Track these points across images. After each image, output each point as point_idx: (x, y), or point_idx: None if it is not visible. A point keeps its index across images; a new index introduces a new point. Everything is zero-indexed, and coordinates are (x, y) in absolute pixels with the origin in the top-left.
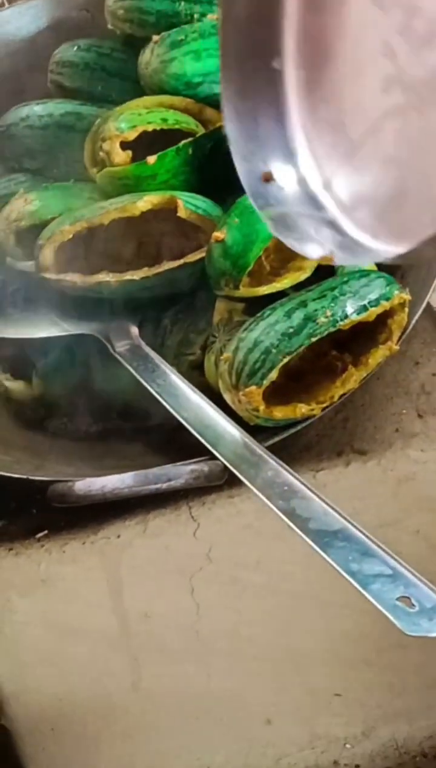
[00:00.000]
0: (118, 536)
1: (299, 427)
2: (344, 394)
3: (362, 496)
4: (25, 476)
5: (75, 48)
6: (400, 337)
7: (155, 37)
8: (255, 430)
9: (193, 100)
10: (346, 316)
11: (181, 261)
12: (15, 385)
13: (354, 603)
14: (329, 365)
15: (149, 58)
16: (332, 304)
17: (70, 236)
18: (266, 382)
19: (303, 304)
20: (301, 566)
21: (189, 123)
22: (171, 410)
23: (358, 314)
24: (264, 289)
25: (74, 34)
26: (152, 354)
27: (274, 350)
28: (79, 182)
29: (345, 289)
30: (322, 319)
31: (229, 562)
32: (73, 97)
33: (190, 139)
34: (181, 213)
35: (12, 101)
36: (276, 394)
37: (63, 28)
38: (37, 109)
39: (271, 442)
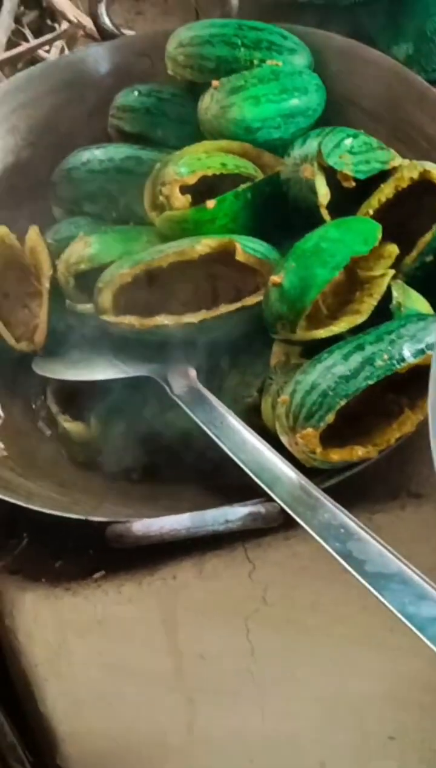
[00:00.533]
0: (174, 577)
1: (355, 470)
2: (400, 438)
3: (417, 539)
4: (82, 517)
5: (135, 93)
6: None
7: (215, 83)
8: (311, 473)
9: (251, 145)
10: (403, 360)
11: (239, 304)
12: (73, 427)
13: (409, 646)
14: (386, 408)
15: (209, 103)
16: (390, 348)
17: (129, 279)
18: (323, 425)
19: (360, 347)
20: (356, 609)
21: (248, 168)
22: (228, 452)
23: (415, 358)
24: (321, 333)
25: (134, 79)
26: (210, 396)
27: (331, 393)
28: (137, 226)
29: (402, 333)
30: (379, 363)
31: (284, 604)
32: (133, 141)
33: (248, 183)
34: (240, 256)
35: (73, 145)
36: (333, 437)
37: (123, 74)
38: (97, 154)
39: (327, 484)
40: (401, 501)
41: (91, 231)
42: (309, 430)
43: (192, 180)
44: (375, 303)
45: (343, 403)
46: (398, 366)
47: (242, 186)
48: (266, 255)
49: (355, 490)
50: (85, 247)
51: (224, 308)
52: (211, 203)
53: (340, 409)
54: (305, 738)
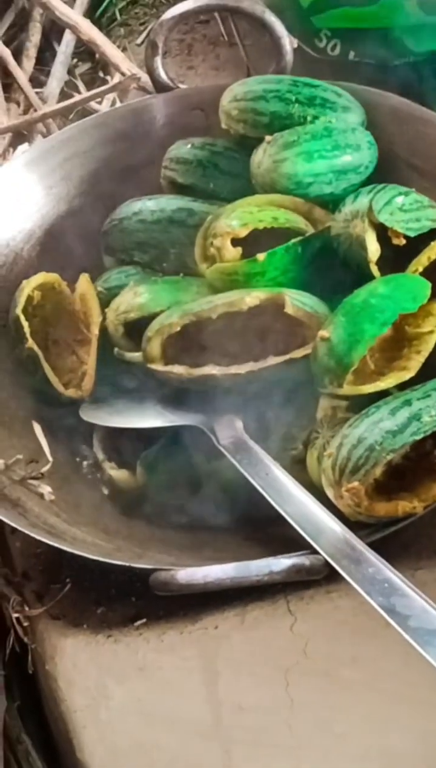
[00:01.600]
0: (216, 627)
1: (399, 525)
2: None
3: None
4: (126, 563)
5: (189, 146)
6: None
7: (268, 138)
8: (356, 527)
9: (302, 200)
10: None
11: (287, 357)
12: (119, 474)
13: None
14: (431, 464)
15: (262, 157)
16: None
17: (178, 329)
18: (369, 479)
19: (408, 402)
20: (398, 664)
21: (299, 222)
22: (274, 503)
23: None
24: (369, 388)
25: (188, 132)
26: (256, 448)
27: (378, 447)
28: (187, 277)
29: None
30: (426, 419)
31: (325, 658)
32: (185, 193)
33: (299, 238)
34: (289, 309)
35: (124, 196)
36: (378, 492)
37: (177, 126)
38: (149, 204)
39: (372, 538)
40: None
41: (142, 281)
42: (355, 483)
43: (243, 232)
44: (423, 359)
45: (390, 457)
46: None
47: (293, 240)
48: (314, 309)
49: (399, 545)
50: (135, 296)
51: (272, 360)
52: (261, 256)
53: (386, 464)
54: None
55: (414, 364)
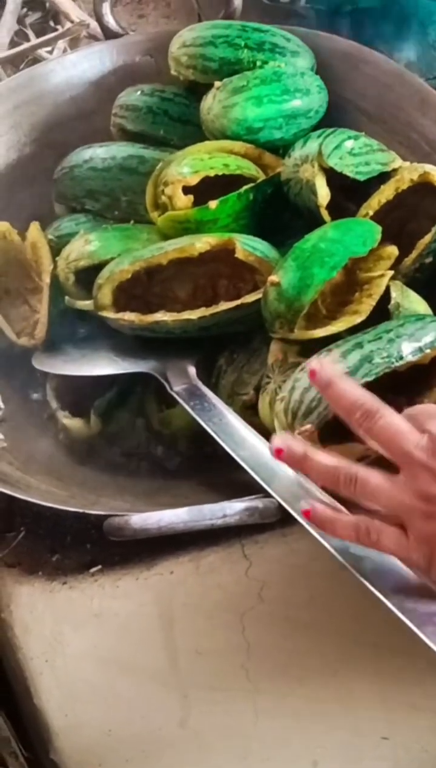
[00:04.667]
0: (172, 573)
1: None
2: None
3: None
4: (80, 510)
5: (138, 92)
6: None
7: (218, 83)
8: None
9: (253, 146)
10: (401, 358)
11: (238, 302)
12: (73, 423)
13: (404, 646)
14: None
15: (211, 103)
16: (388, 346)
17: (129, 276)
18: (322, 421)
19: (359, 345)
20: (352, 607)
21: (250, 168)
22: (227, 448)
23: (413, 356)
24: (320, 332)
25: (138, 78)
26: (209, 393)
27: None
28: (138, 224)
29: (401, 332)
30: (377, 360)
31: (281, 602)
32: (135, 140)
33: (251, 184)
34: (239, 254)
35: (76, 143)
36: (332, 435)
37: (127, 73)
38: (100, 152)
39: None
40: None
41: (92, 228)
42: (308, 426)
43: (195, 180)
44: (374, 303)
45: None
46: (396, 363)
47: (245, 187)
48: (265, 254)
49: None
50: (86, 244)
51: (223, 305)
52: (213, 203)
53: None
54: (297, 736)
55: (365, 307)
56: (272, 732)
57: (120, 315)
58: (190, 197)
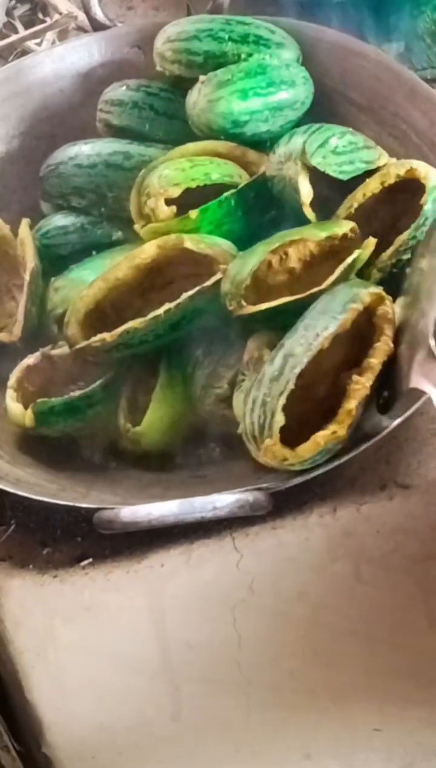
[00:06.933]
0: (162, 565)
1: (343, 459)
2: (360, 403)
3: (405, 529)
4: (71, 503)
5: (124, 87)
6: (395, 329)
7: (202, 77)
8: (303, 473)
9: (236, 145)
10: (317, 336)
11: (197, 288)
12: (13, 406)
13: (396, 638)
14: (343, 388)
15: (196, 97)
16: (304, 332)
17: (92, 304)
18: (274, 431)
19: (281, 346)
20: (343, 599)
21: (232, 176)
22: None
23: (327, 329)
24: (263, 306)
25: (127, 70)
26: None
27: (269, 399)
28: (120, 245)
29: (311, 314)
30: (298, 350)
31: (271, 594)
32: (121, 135)
33: (231, 191)
34: (188, 245)
35: (64, 135)
36: (304, 434)
37: (115, 65)
38: (85, 149)
39: (315, 474)
40: (389, 492)
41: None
42: (267, 441)
43: (176, 192)
44: (334, 278)
45: (282, 401)
46: (315, 343)
47: (225, 194)
48: (216, 243)
49: (344, 481)
50: (54, 293)
51: (185, 295)
52: (193, 213)
53: (296, 408)
54: (290, 729)
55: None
56: (264, 724)
57: (91, 340)
58: (173, 208)
